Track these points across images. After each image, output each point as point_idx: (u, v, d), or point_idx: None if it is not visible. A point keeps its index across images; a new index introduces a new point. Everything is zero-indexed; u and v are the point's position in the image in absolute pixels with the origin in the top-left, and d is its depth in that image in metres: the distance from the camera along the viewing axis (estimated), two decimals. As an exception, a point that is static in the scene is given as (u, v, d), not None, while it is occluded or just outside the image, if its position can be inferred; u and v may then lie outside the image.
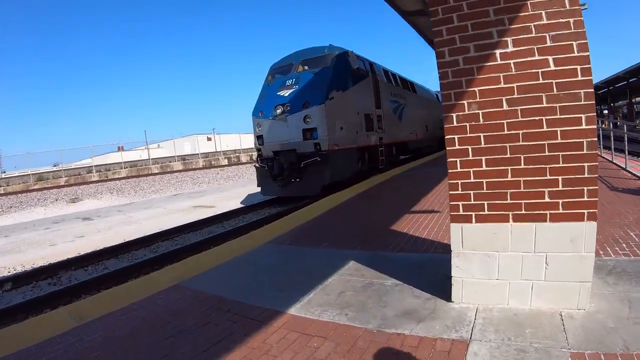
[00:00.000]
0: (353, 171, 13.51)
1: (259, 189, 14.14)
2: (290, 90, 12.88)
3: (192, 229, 10.75)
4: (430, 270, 4.38)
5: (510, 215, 3.41)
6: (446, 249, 3.93)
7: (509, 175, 3.39)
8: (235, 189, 20.59)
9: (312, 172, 12.14)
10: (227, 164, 39.96)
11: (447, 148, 3.56)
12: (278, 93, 13.20)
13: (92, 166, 35.81)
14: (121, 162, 36.63)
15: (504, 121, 3.40)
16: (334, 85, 12.55)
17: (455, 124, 3.52)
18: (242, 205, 14.61)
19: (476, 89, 3.48)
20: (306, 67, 13.61)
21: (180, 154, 43.98)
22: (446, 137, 3.55)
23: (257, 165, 13.80)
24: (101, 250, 8.99)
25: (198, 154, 44.74)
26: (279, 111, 12.66)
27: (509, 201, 3.40)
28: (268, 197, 14.07)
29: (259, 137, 13.50)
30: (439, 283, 3.94)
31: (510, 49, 3.35)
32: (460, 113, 3.50)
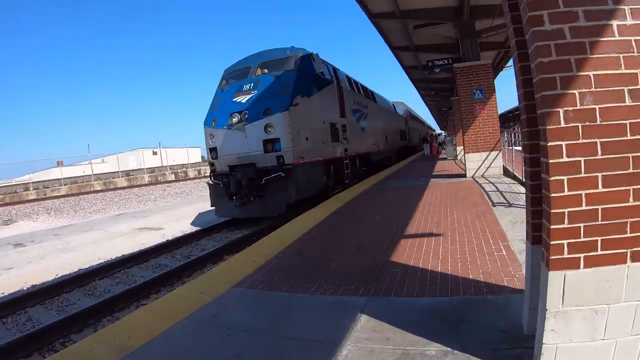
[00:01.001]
0: (320, 187, 12.23)
1: (210, 208, 12.69)
2: (249, 96, 11.43)
3: (137, 261, 8.96)
4: (477, 324, 3.23)
5: (629, 253, 2.29)
6: (478, 288, 3.53)
7: (631, 198, 2.24)
8: (184, 207, 18.84)
9: (275, 189, 10.73)
10: (174, 179, 37.83)
11: (550, 160, 2.26)
12: (234, 99, 11.71)
13: (29, 183, 33.06)
14: (61, 179, 33.99)
15: (627, 121, 2.20)
16: (298, 90, 11.24)
17: (562, 124, 2.24)
18: (194, 228, 12.98)
19: (590, 73, 2.22)
20: (266, 70, 12.23)
21: (124, 169, 41.50)
22: (549, 143, 2.24)
23: (210, 182, 12.20)
24: (26, 294, 7.12)
25: (143, 169, 42.29)
26: (235, 120, 11.17)
27: (628, 234, 2.27)
28: (223, 219, 12.48)
29: (212, 150, 11.94)
30: (500, 342, 2.87)
31: (630, 21, 2.19)
32: (570, 108, 2.22)
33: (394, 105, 30.21)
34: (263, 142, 10.72)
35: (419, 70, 24.07)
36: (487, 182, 11.46)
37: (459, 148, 23.11)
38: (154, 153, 57.58)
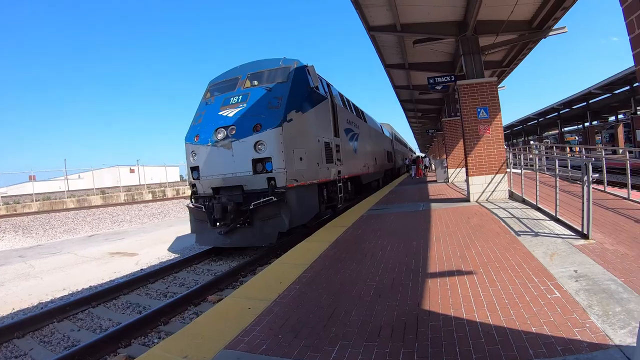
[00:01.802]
0: (314, 213, 11.15)
1: (188, 231, 11.61)
2: (237, 110, 10.38)
3: (105, 298, 7.71)
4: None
5: None
6: (549, 346, 3.09)
7: None
8: (161, 230, 17.95)
9: (266, 216, 9.65)
10: (151, 198, 36.27)
11: None
12: (220, 113, 10.64)
13: (-1, 197, 31.13)
14: (32, 194, 32.10)
15: None
16: (292, 105, 10.21)
17: None
18: (172, 255, 11.97)
19: None
20: (256, 82, 11.24)
21: (100, 187, 39.73)
22: None
23: (190, 205, 11.00)
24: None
25: (120, 187, 40.63)
26: (220, 136, 10.07)
27: None
28: (205, 247, 11.25)
29: (193, 169, 10.79)
30: None
31: None
32: None
33: (381, 126, 29.53)
34: (252, 162, 9.65)
35: (409, 91, 23.49)
36: (496, 207, 10.58)
37: (451, 171, 22.42)
38: (131, 171, 55.74)
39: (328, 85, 13.58)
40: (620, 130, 41.34)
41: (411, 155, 47.06)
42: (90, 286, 9.02)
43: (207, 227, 10.29)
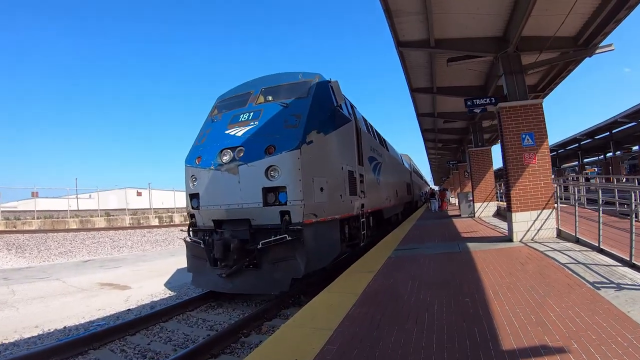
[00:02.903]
0: (335, 254, 9.49)
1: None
2: (247, 128, 8.93)
3: (70, 353, 6.15)
4: None
5: None
6: None
7: None
8: (162, 260, 16.74)
9: (277, 258, 8.08)
10: (157, 224, 34.76)
11: None
12: (227, 132, 9.20)
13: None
14: (34, 211, 30.85)
15: None
16: (313, 124, 8.74)
17: None
18: (167, 292, 10.60)
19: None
20: (270, 98, 9.82)
21: (107, 208, 38.51)
22: None
23: (187, 239, 9.45)
24: None
25: (125, 209, 39.27)
26: (226, 158, 8.58)
27: None
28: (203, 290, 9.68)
29: (192, 197, 9.30)
30: None
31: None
32: None
33: (401, 156, 27.98)
34: (263, 191, 8.11)
35: (433, 119, 22.02)
36: (549, 249, 8.94)
37: (477, 205, 20.72)
38: (138, 194, 54.47)
39: (352, 106, 12.12)
40: (643, 160, 39.60)
41: (430, 188, 45.49)
42: (65, 327, 7.80)
43: (207, 266, 8.73)
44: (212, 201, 8.74)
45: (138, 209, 43.58)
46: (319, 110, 9.15)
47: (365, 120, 14.21)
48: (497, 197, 21.56)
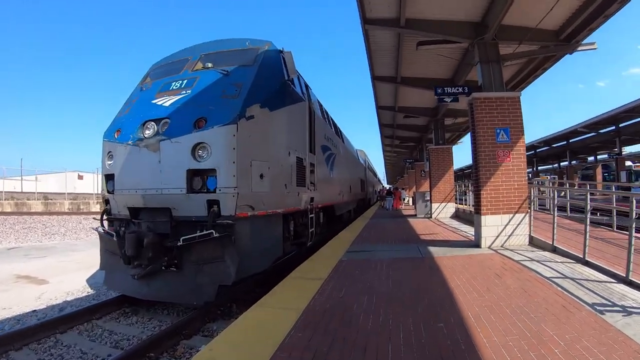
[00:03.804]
0: (276, 256, 7.92)
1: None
2: (177, 98, 7.23)
3: None
4: None
5: None
6: None
7: None
8: (94, 250, 14.65)
9: (202, 260, 6.46)
10: (99, 210, 32.39)
11: None
12: (154, 101, 7.47)
13: None
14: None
15: None
16: (257, 96, 7.14)
17: None
18: (87, 289, 9.11)
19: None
20: (210, 65, 8.08)
21: (43, 191, 36.02)
22: None
23: (100, 229, 7.70)
24: None
25: (65, 193, 36.51)
26: (149, 132, 6.88)
27: None
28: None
29: (108, 178, 7.57)
30: None
31: None
32: None
33: (356, 151, 26.74)
34: (187, 175, 6.49)
35: (393, 113, 20.89)
36: (525, 258, 7.84)
37: (435, 205, 19.73)
38: (80, 177, 51.05)
39: (306, 86, 10.61)
40: (599, 171, 40.29)
41: (385, 187, 44.91)
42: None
43: (120, 265, 7.01)
44: (127, 184, 7.03)
45: (79, 194, 40.95)
46: (265, 81, 7.60)
47: (320, 105, 12.75)
48: (456, 198, 20.58)
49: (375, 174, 56.98)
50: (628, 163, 34.94)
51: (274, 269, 8.82)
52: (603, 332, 4.08)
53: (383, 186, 57.88)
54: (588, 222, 7.26)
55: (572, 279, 6.13)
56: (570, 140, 39.46)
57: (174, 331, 5.99)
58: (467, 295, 5.51)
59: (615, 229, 10.29)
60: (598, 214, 13.42)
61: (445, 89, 10.19)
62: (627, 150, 35.68)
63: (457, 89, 10.15)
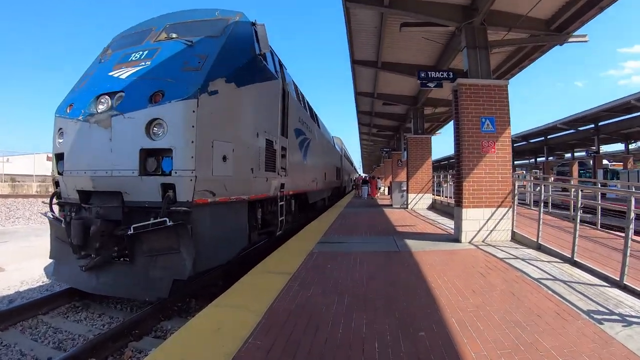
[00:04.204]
0: (240, 247, 7.24)
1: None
2: (135, 69, 6.44)
3: None
4: None
5: None
6: None
7: None
8: None
9: (155, 251, 5.78)
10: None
11: None
12: (111, 73, 6.65)
13: None
14: None
15: None
16: (222, 70, 6.42)
17: None
18: (42, 279, 8.56)
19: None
20: (174, 35, 7.25)
21: (12, 173, 35.05)
22: None
23: (50, 214, 6.98)
24: None
25: (33, 176, 35.14)
26: (102, 107, 6.11)
27: None
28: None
29: (58, 158, 6.82)
30: None
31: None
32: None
33: (333, 138, 26.14)
34: (141, 154, 5.76)
35: (372, 100, 20.30)
36: (510, 256, 7.37)
37: (411, 195, 19.28)
38: (49, 159, 49.29)
39: (281, 64, 9.89)
40: (575, 167, 40.58)
41: (361, 176, 44.56)
42: None
43: (69, 254, 6.27)
44: (76, 165, 6.27)
45: (48, 176, 39.61)
46: (233, 54, 6.88)
47: (296, 87, 12.06)
48: (433, 189, 20.17)
49: (351, 163, 56.57)
50: (604, 162, 35.34)
51: (241, 259, 8.22)
52: (604, 345, 3.62)
53: (359, 174, 57.56)
54: (578, 221, 6.82)
55: (562, 281, 5.66)
56: (549, 136, 39.79)
57: (123, 331, 5.32)
58: (450, 297, 4.97)
59: (599, 228, 9.93)
60: (581, 211, 13.13)
61: (429, 73, 9.63)
62: (604, 149, 36.09)
63: (442, 74, 9.60)
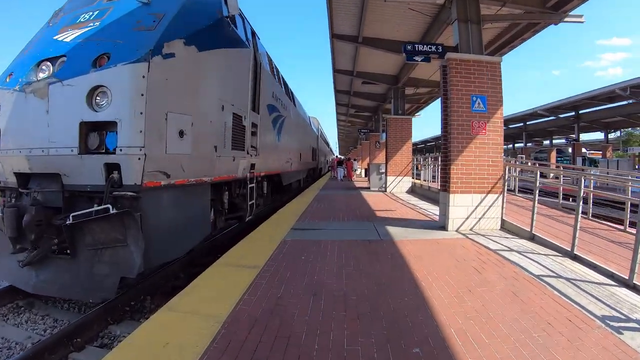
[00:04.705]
0: (201, 237, 6.44)
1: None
2: (81, 31, 5.49)
3: None
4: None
5: None
6: None
7: None
8: None
9: (100, 243, 4.95)
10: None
11: None
12: (56, 37, 5.69)
13: None
14: None
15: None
16: (181, 30, 5.54)
17: None
18: None
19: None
20: None
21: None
22: None
23: None
24: None
25: None
26: (42, 74, 5.19)
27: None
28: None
29: None
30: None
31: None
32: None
33: (309, 118, 25.30)
34: (81, 129, 4.86)
35: (351, 78, 19.49)
36: (502, 247, 6.74)
37: (390, 178, 18.67)
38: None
39: (253, 33, 8.99)
40: (553, 155, 40.64)
41: (337, 157, 43.90)
42: None
43: (6, 247, 5.39)
44: (11, 143, 5.33)
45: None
46: (195, 13, 6.00)
47: (270, 60, 11.17)
48: (413, 172, 19.54)
49: (327, 144, 55.85)
50: (583, 150, 35.56)
51: (208, 248, 7.44)
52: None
53: (335, 156, 56.96)
54: (580, 211, 6.21)
55: (565, 278, 5.06)
56: (528, 123, 39.89)
57: (63, 339, 4.50)
58: (445, 298, 4.31)
59: (590, 217, 9.43)
60: (571, 199, 12.73)
61: (417, 46, 8.83)
62: (582, 137, 36.39)
63: (430, 48, 8.80)
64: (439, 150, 63.34)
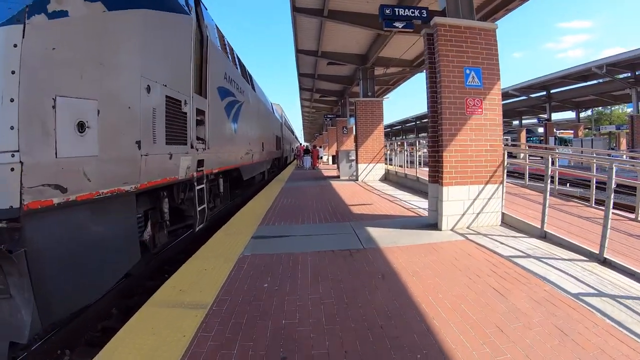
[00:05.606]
0: (125, 268, 4.80)
1: None
2: None
3: None
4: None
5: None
6: None
7: None
8: None
9: None
10: None
11: None
12: None
13: None
14: None
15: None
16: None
17: None
18: None
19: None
20: None
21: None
22: None
23: None
24: None
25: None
26: None
27: None
28: None
29: None
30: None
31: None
32: None
33: (272, 104, 23.78)
34: None
35: (315, 59, 18.07)
36: (516, 252, 5.49)
37: (361, 166, 17.43)
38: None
39: (197, 1, 7.34)
40: (523, 135, 40.42)
41: (302, 145, 42.68)
42: None
43: None
44: None
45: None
46: None
47: (221, 35, 9.56)
48: (385, 158, 18.30)
49: (292, 131, 54.44)
50: (553, 130, 35.63)
51: (149, 272, 5.96)
52: None
53: (300, 144, 55.70)
54: (611, 206, 5.00)
55: (612, 297, 3.88)
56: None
57: None
58: (471, 348, 3.01)
59: (593, 205, 8.39)
60: (568, 184, 11.82)
61: (396, 10, 7.41)
62: (553, 117, 36.46)
63: (412, 12, 7.39)
64: (421, 131, 62.57)
